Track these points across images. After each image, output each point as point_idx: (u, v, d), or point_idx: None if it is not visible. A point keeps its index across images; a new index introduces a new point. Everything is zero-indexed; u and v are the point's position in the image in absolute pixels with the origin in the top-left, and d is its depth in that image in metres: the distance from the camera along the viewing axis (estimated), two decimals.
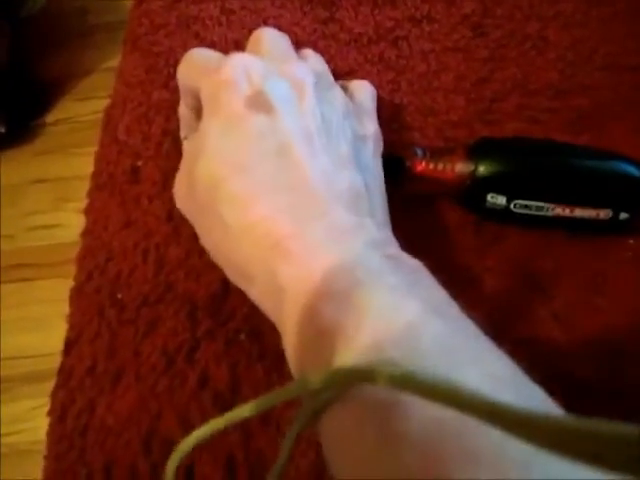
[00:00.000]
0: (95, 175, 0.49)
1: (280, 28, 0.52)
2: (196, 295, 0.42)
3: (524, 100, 0.48)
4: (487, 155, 0.41)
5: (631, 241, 0.42)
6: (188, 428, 0.38)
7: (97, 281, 0.44)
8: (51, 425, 0.40)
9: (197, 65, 0.42)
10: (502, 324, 0.40)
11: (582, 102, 0.48)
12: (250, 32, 0.52)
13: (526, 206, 0.40)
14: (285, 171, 0.35)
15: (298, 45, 0.51)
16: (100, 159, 0.50)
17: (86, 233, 0.47)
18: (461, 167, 0.41)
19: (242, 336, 0.40)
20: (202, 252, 0.43)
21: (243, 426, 0.38)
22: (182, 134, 0.45)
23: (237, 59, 0.39)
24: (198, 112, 0.42)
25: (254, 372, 0.39)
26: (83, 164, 0.53)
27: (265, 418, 0.38)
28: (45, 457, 0.40)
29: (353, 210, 0.35)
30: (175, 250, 0.44)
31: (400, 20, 0.53)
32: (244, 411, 0.30)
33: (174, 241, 0.44)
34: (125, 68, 0.54)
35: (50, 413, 0.41)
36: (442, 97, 0.49)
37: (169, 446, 0.37)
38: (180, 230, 0.44)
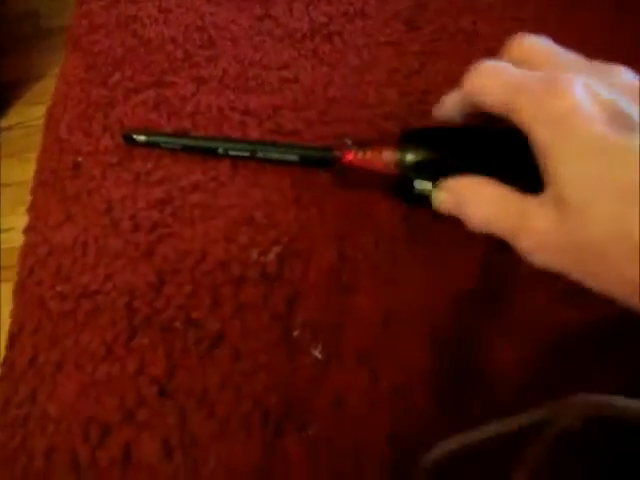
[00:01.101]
0: (37, 173, 0.50)
1: (216, 25, 0.53)
2: (133, 285, 0.43)
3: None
4: (413, 143, 0.42)
5: None
6: (126, 413, 0.39)
7: (38, 275, 0.45)
8: None
9: (505, 82, 0.37)
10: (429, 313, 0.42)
11: None
12: (187, 28, 0.54)
13: None
14: None
15: (234, 42, 0.53)
16: (42, 158, 0.51)
17: (28, 230, 0.48)
18: (388, 156, 0.42)
19: (177, 324, 0.41)
20: (138, 244, 0.44)
21: (179, 409, 0.39)
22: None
23: (574, 81, 0.34)
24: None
25: (188, 358, 0.40)
26: None
27: (200, 402, 0.39)
28: None
29: None
30: (113, 242, 0.45)
31: (334, 16, 0.55)
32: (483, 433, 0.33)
33: (112, 233, 0.45)
34: (66, 68, 0.55)
35: None
36: (374, 90, 0.51)
37: (107, 430, 0.39)
38: (118, 223, 0.45)
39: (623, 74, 0.36)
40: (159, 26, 0.55)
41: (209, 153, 0.47)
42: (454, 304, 0.42)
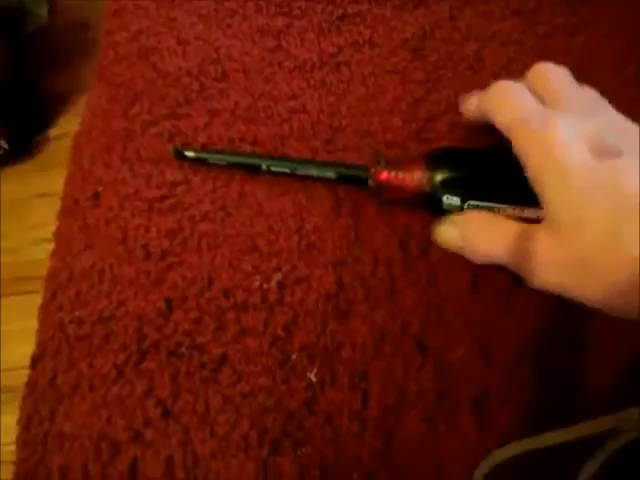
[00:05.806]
0: (63, 200, 0.53)
1: (231, 57, 0.56)
2: (143, 311, 0.46)
3: (457, 119, 0.51)
4: (442, 162, 0.45)
5: None
6: (133, 432, 0.42)
7: (59, 300, 0.48)
8: (19, 433, 0.44)
9: (511, 110, 0.43)
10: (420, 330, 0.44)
11: None
12: (203, 61, 0.56)
13: (478, 206, 0.43)
14: None
15: (245, 74, 0.55)
16: (67, 185, 0.54)
17: (53, 254, 0.51)
18: (420, 175, 0.45)
19: (183, 349, 0.44)
20: (149, 272, 0.47)
21: (183, 429, 0.42)
22: None
23: (561, 121, 0.39)
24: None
25: (192, 381, 0.43)
26: None
27: (202, 422, 0.42)
28: (13, 462, 0.44)
29: None
30: (127, 269, 0.47)
31: (343, 46, 0.57)
32: (544, 440, 0.36)
33: (126, 261, 0.48)
34: (92, 97, 0.58)
35: (18, 422, 0.45)
36: (379, 119, 0.53)
37: (117, 448, 0.42)
38: (131, 251, 0.48)
39: (621, 124, 0.40)
40: (177, 58, 0.57)
41: (253, 169, 0.50)
42: (446, 328, 0.44)
